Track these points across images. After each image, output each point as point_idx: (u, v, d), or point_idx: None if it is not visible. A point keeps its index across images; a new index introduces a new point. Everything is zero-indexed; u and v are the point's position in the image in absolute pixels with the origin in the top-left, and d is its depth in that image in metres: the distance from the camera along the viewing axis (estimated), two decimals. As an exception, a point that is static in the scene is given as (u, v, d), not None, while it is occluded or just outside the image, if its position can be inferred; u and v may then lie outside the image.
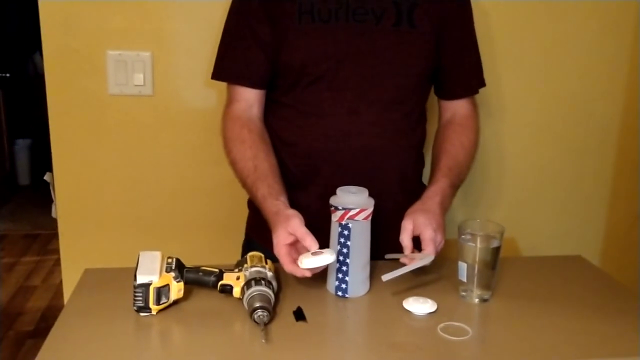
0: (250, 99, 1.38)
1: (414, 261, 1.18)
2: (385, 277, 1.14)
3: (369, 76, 1.32)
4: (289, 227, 1.17)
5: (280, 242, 1.17)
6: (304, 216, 1.22)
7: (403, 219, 1.23)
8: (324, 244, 1.18)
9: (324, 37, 1.31)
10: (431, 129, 1.49)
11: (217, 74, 1.41)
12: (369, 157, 1.34)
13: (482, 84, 1.48)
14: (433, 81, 1.44)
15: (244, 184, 1.34)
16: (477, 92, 1.48)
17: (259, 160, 1.31)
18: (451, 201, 1.33)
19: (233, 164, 1.35)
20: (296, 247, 1.18)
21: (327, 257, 1.13)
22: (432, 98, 1.49)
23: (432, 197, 1.29)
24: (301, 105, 1.35)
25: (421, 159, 1.47)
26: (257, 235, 1.47)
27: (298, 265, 1.14)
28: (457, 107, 1.45)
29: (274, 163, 1.33)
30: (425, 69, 1.37)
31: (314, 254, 1.13)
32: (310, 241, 1.14)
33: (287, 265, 1.16)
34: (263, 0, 1.33)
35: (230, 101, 1.40)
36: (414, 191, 1.38)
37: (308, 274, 1.15)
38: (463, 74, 1.44)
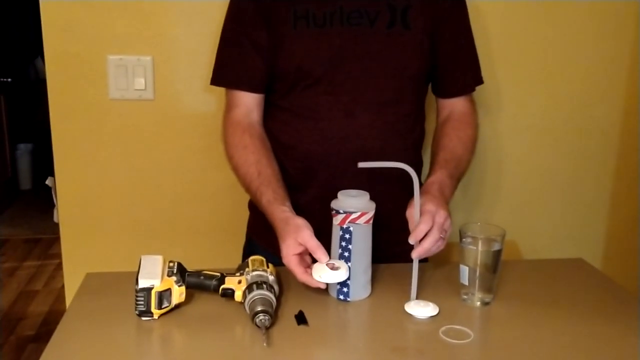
0: (249, 103, 1.39)
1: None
2: (361, 165, 1.14)
3: (365, 78, 1.32)
4: (299, 237, 1.17)
5: (290, 252, 1.17)
6: (304, 217, 1.22)
7: (406, 211, 1.21)
8: (325, 245, 1.18)
9: (319, 41, 1.31)
10: (430, 128, 1.49)
11: (216, 80, 1.41)
12: (366, 158, 1.34)
13: (480, 81, 1.49)
14: (430, 80, 1.45)
15: (248, 189, 1.34)
16: (473, 89, 1.48)
17: (262, 166, 1.32)
18: (452, 191, 1.31)
19: (236, 169, 1.35)
20: (303, 256, 1.19)
21: (343, 273, 1.14)
22: (430, 97, 1.49)
23: (430, 185, 1.28)
24: (298, 108, 1.36)
25: (419, 159, 1.47)
26: (258, 236, 1.48)
27: (311, 275, 1.15)
28: (455, 105, 1.45)
29: (276, 168, 1.34)
30: (420, 69, 1.37)
31: (328, 265, 1.15)
32: (322, 254, 1.15)
33: (301, 276, 1.16)
34: (259, 6, 1.33)
35: (229, 107, 1.40)
36: (412, 192, 1.38)
37: (323, 286, 1.16)
38: (459, 72, 1.44)
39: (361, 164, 1.15)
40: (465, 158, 1.39)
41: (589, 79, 1.89)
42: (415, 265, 1.18)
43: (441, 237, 1.19)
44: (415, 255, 1.17)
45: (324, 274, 1.14)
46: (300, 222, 1.20)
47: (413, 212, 1.19)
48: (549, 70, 1.87)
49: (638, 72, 1.88)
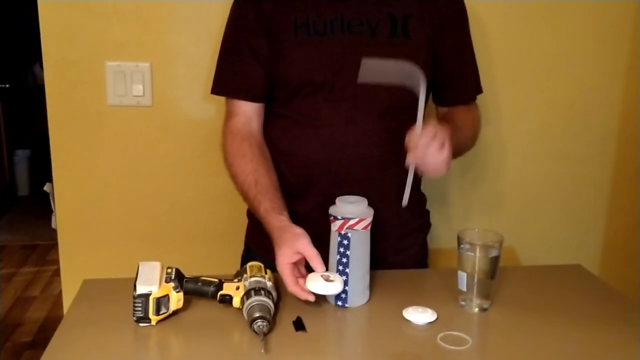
0: (249, 112, 1.38)
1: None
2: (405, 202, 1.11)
3: (366, 87, 1.32)
4: (296, 245, 1.16)
5: (285, 260, 1.17)
6: (303, 225, 1.22)
7: (406, 137, 1.17)
8: (323, 253, 1.18)
9: (320, 50, 1.31)
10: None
11: (216, 89, 1.41)
12: (367, 166, 1.34)
13: (479, 90, 1.49)
14: (430, 89, 1.44)
15: (245, 198, 1.34)
16: (474, 98, 1.48)
17: (260, 175, 1.32)
18: (452, 138, 1.23)
19: (234, 178, 1.35)
20: (297, 266, 1.19)
21: (337, 286, 1.14)
22: (429, 107, 1.49)
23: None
24: (298, 115, 1.36)
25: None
26: (257, 245, 1.47)
27: (301, 287, 1.14)
28: (455, 108, 1.46)
29: (274, 178, 1.34)
30: None
31: (322, 277, 1.14)
32: (318, 263, 1.15)
33: (291, 286, 1.15)
34: (259, 15, 1.33)
35: (229, 115, 1.40)
36: (411, 199, 1.38)
37: (312, 298, 1.14)
38: (460, 82, 1.45)
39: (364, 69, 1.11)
40: (465, 130, 1.37)
41: (587, 85, 1.89)
42: (412, 170, 1.15)
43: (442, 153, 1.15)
44: (412, 158, 1.14)
45: (317, 284, 1.13)
46: (299, 230, 1.20)
47: (413, 133, 1.16)
48: (546, 77, 1.87)
49: (636, 79, 1.89)
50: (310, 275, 1.15)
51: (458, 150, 1.33)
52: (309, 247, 1.16)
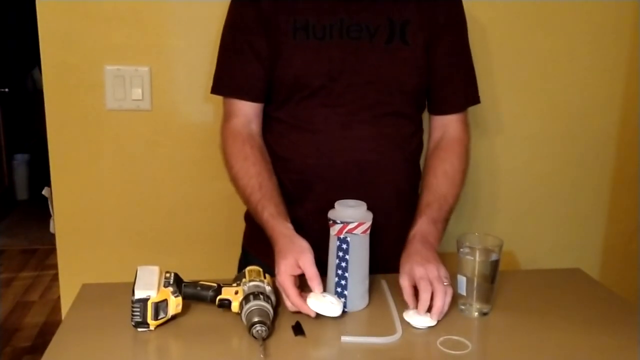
0: (249, 113, 1.38)
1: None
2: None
3: (363, 92, 1.32)
4: (300, 260, 1.16)
5: (288, 271, 1.16)
6: (300, 230, 1.22)
7: (400, 279, 1.20)
8: (321, 258, 1.18)
9: (318, 53, 1.31)
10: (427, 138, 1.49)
11: (216, 89, 1.41)
12: (363, 172, 1.34)
13: (475, 101, 1.46)
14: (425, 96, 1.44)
15: (247, 201, 1.33)
16: (465, 109, 1.45)
17: (263, 179, 1.31)
18: (437, 235, 1.30)
19: (235, 180, 1.34)
20: (296, 279, 1.17)
21: (338, 309, 1.13)
22: (425, 115, 1.48)
23: (412, 239, 1.27)
24: (294, 120, 1.35)
25: (417, 171, 1.45)
26: (254, 248, 1.47)
27: (304, 300, 1.14)
28: (447, 125, 1.43)
29: (276, 182, 1.33)
30: (418, 85, 1.37)
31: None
32: (317, 284, 1.14)
33: (294, 298, 1.14)
34: (259, 15, 1.33)
35: (228, 116, 1.39)
36: (409, 205, 1.37)
37: (313, 314, 1.14)
38: (453, 90, 1.42)
39: None
40: (451, 194, 1.36)
41: (586, 90, 1.90)
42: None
43: (445, 284, 1.17)
44: (436, 318, 1.14)
45: (320, 304, 1.12)
46: (305, 244, 1.19)
47: (405, 283, 1.18)
48: (546, 80, 1.87)
49: (636, 83, 1.89)
50: (312, 294, 1.14)
51: (447, 219, 1.35)
52: (311, 265, 1.15)
